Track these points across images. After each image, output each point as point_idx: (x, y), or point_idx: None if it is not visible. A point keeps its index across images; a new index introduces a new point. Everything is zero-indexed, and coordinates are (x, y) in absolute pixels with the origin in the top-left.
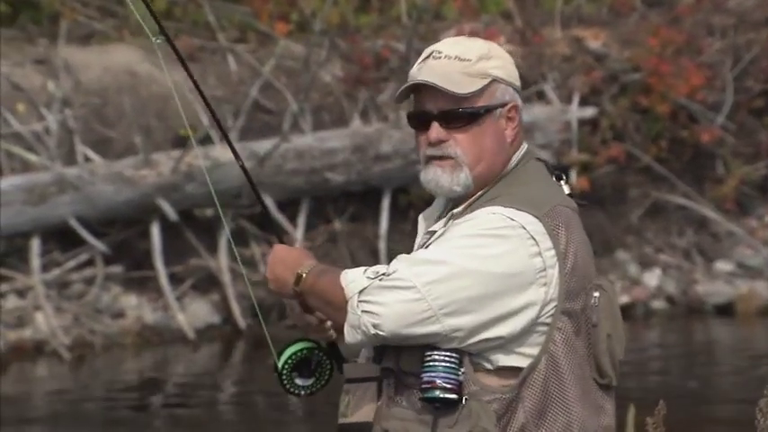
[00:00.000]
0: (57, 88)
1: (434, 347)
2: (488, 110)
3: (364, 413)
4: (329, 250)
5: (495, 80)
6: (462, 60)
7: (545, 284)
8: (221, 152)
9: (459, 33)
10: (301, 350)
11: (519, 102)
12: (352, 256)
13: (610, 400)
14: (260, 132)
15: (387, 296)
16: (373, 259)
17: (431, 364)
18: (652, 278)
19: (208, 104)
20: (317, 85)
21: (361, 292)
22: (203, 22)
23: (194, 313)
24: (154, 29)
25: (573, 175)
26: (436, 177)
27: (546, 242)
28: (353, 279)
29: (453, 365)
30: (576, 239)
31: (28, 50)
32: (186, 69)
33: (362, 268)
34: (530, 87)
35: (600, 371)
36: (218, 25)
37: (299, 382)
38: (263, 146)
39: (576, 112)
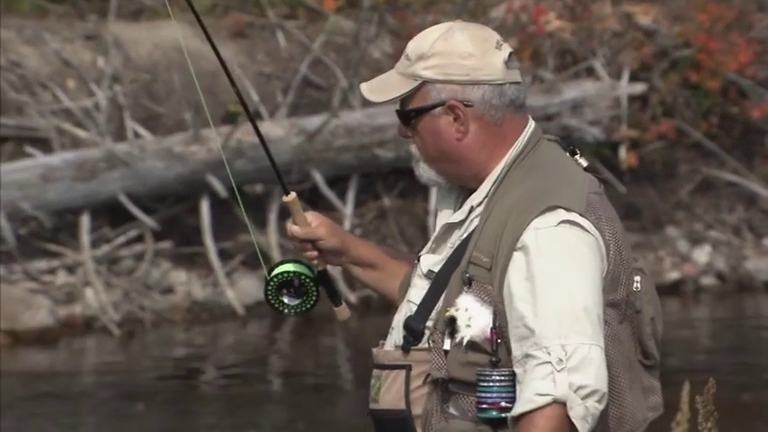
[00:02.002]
0: (107, 64)
1: (489, 364)
2: (419, 112)
3: (393, 400)
4: (379, 226)
5: (426, 81)
6: (407, 60)
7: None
8: (270, 128)
9: (509, 9)
10: (289, 272)
11: (471, 96)
12: (402, 233)
13: (655, 378)
14: (309, 108)
15: (588, 370)
16: (422, 235)
17: (485, 384)
18: (702, 254)
19: (231, 80)
20: (366, 61)
21: (570, 386)
22: None
23: (243, 289)
24: (204, 5)
25: (622, 151)
26: (413, 168)
27: (600, 238)
28: (545, 388)
29: (508, 383)
30: (615, 227)
31: (78, 26)
32: (210, 42)
33: (532, 392)
34: (579, 63)
35: (645, 354)
36: (267, 1)
37: (285, 300)
38: (313, 122)
39: (626, 88)
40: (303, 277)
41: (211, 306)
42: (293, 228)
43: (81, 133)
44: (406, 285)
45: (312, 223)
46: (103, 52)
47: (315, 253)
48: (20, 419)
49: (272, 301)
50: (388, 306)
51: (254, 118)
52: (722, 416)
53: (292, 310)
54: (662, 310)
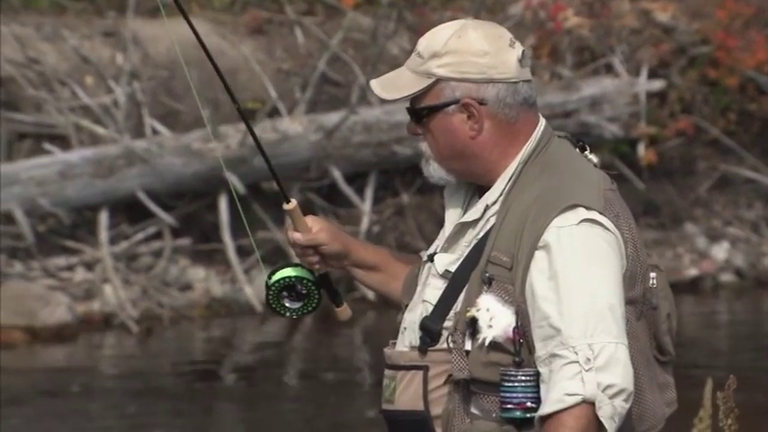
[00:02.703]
0: (125, 61)
1: (511, 364)
2: (432, 109)
3: (410, 401)
4: (397, 223)
5: (440, 79)
6: (419, 57)
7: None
8: (288, 125)
9: (528, 6)
10: (290, 277)
11: (486, 94)
12: (420, 230)
13: (669, 374)
14: (328, 105)
15: (615, 369)
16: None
17: (509, 384)
18: (720, 251)
19: (221, 77)
20: (384, 57)
21: (598, 386)
22: None
23: (262, 286)
24: (223, 1)
25: (641, 148)
26: (422, 167)
27: (619, 236)
28: (573, 388)
29: (532, 383)
30: (631, 224)
31: (96, 23)
32: (191, 26)
33: (560, 392)
34: (598, 60)
35: (661, 350)
36: None
37: (286, 303)
38: (331, 119)
39: (645, 84)
40: (305, 281)
41: (230, 303)
42: (295, 235)
43: (99, 130)
44: (408, 286)
45: (313, 228)
46: (122, 49)
47: (316, 258)
48: (38, 416)
49: (274, 305)
50: None
51: (249, 121)
52: (741, 412)
53: (294, 314)
54: (676, 306)
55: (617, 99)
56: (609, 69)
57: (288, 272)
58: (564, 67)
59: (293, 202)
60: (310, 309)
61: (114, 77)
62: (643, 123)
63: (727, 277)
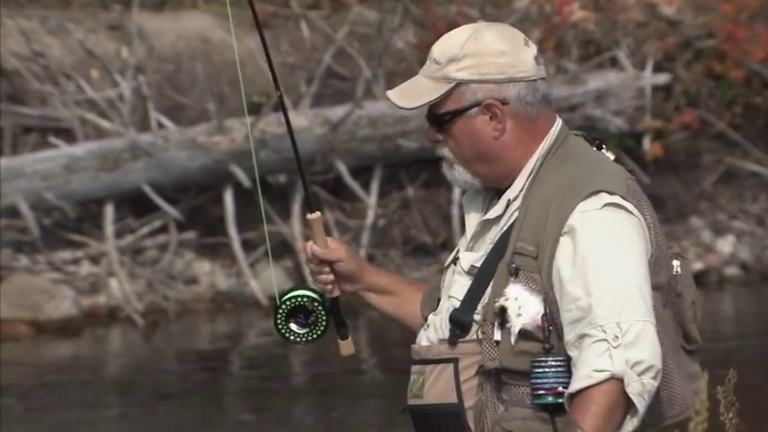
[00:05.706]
0: (130, 55)
1: (541, 351)
2: (455, 114)
3: (441, 394)
4: (402, 217)
5: (460, 83)
6: (436, 63)
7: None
8: (294, 118)
9: (533, 0)
10: (302, 297)
11: (507, 94)
12: (425, 223)
13: (697, 363)
14: (333, 99)
15: (643, 345)
16: (446, 225)
17: (540, 370)
18: (725, 245)
19: (273, 73)
20: (390, 51)
21: (627, 362)
22: None
23: (267, 279)
24: None
25: (646, 141)
26: (444, 173)
27: (642, 220)
28: (602, 365)
29: (562, 368)
30: (651, 212)
31: (102, 17)
32: (260, 33)
33: (588, 369)
34: (603, 54)
35: (687, 338)
36: None
37: (293, 327)
38: (336, 112)
39: (650, 78)
40: (316, 303)
41: (235, 296)
42: (314, 247)
43: (105, 124)
44: (428, 298)
45: (332, 246)
46: (127, 42)
47: (331, 277)
48: (42, 409)
49: (281, 326)
50: None
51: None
52: (747, 405)
53: (299, 338)
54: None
55: (622, 93)
56: (614, 63)
57: (300, 292)
58: (569, 61)
59: (318, 213)
60: (315, 336)
61: (119, 71)
62: (648, 117)
63: (732, 271)
